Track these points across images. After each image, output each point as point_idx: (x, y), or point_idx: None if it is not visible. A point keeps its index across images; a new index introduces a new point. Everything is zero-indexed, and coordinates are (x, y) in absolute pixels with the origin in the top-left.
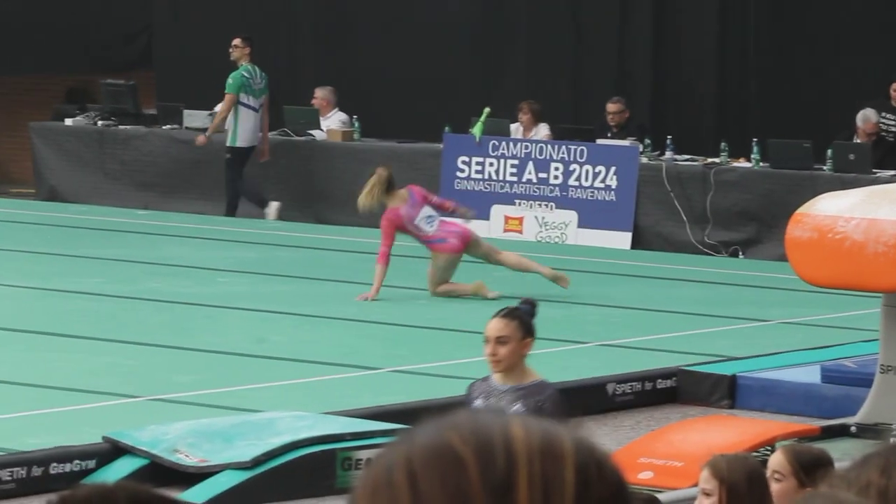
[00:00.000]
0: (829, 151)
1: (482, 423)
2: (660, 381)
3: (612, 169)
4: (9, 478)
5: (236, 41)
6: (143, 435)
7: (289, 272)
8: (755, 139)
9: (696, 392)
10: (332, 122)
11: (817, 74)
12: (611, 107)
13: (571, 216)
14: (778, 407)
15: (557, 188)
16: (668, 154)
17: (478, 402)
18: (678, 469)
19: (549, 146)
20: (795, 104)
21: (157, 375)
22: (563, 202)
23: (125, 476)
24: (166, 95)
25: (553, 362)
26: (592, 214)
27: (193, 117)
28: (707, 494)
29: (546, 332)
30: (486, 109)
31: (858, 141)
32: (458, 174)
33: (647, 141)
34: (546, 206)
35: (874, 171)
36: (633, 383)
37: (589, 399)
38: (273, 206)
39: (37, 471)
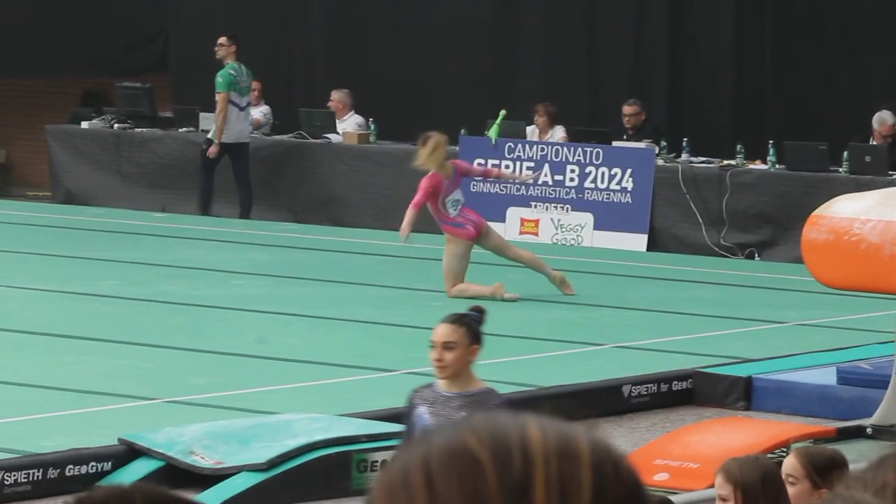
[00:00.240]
0: (845, 153)
1: (499, 424)
2: (675, 382)
3: (628, 171)
4: (25, 480)
5: (222, 40)
6: (159, 437)
7: (304, 274)
8: (771, 141)
9: (711, 394)
10: (349, 124)
11: (833, 76)
12: (627, 109)
13: (587, 218)
14: (793, 408)
15: (573, 190)
16: (685, 156)
17: (422, 409)
18: (694, 470)
19: (564, 148)
20: (811, 106)
21: (173, 377)
22: (578, 204)
23: (141, 478)
24: (182, 98)
25: (569, 364)
26: (608, 216)
27: (209, 120)
28: (724, 500)
29: (562, 334)
30: (502, 112)
31: (874, 143)
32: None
33: (664, 143)
34: (562, 208)
35: (890, 173)
36: (649, 385)
37: (605, 401)
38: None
39: (53, 473)
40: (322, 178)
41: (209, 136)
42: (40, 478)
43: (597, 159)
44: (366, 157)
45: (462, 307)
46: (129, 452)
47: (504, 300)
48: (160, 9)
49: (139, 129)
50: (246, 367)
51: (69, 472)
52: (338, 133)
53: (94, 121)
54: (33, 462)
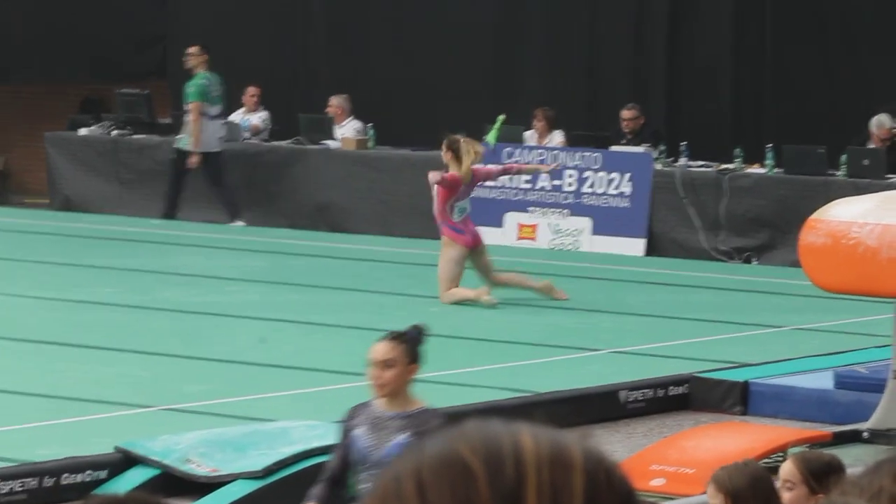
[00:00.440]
0: (843, 157)
1: (491, 432)
2: (672, 387)
3: (627, 176)
4: (20, 488)
5: (192, 49)
6: (155, 445)
7: (300, 281)
8: (769, 145)
9: (708, 399)
10: (347, 130)
11: (831, 80)
12: (625, 113)
13: (585, 223)
14: (790, 413)
15: (572, 195)
16: (683, 160)
17: (361, 430)
18: (690, 476)
19: (563, 153)
20: (809, 110)
21: (169, 385)
22: (577, 209)
23: (137, 486)
24: (181, 105)
25: (566, 369)
26: (607, 221)
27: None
28: None
29: (559, 340)
30: (501, 116)
31: (872, 146)
32: None
33: (662, 147)
34: (560, 213)
35: (888, 176)
36: (646, 390)
37: (601, 406)
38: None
39: (48, 481)
40: (320, 184)
41: (179, 146)
42: (36, 486)
43: (595, 164)
44: (364, 163)
45: (460, 314)
46: (125, 460)
47: (482, 304)
48: (159, 15)
49: (137, 136)
50: (242, 375)
51: (65, 480)
52: (336, 139)
53: (92, 127)
54: (29, 470)
